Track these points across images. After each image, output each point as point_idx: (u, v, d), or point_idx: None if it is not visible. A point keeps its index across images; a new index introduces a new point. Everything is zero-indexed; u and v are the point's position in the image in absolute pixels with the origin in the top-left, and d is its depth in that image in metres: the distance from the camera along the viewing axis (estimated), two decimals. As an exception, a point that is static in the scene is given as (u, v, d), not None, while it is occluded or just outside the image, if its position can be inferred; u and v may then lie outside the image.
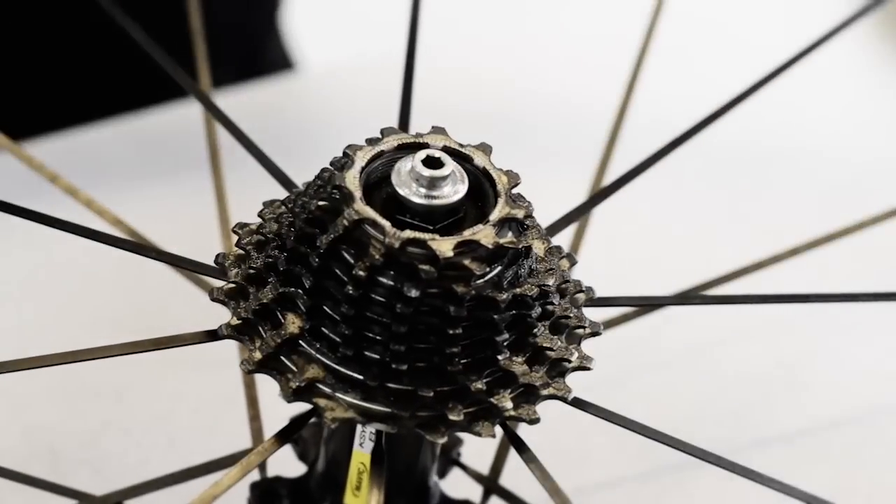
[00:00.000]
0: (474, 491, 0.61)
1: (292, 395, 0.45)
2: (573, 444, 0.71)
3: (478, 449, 0.61)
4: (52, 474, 0.67)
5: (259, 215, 0.48)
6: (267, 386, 0.48)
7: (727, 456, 0.47)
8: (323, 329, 0.45)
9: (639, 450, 0.48)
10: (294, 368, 0.45)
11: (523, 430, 0.46)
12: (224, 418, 0.72)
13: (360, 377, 0.44)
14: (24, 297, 0.80)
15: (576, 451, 0.71)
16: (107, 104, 0.93)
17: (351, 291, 0.44)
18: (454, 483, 0.60)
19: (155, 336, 0.47)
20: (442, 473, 0.59)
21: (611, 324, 0.58)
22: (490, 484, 0.60)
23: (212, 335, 0.47)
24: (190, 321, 0.49)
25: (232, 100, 0.89)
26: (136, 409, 0.73)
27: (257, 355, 0.45)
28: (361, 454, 0.50)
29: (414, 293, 0.43)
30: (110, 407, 0.73)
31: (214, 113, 0.58)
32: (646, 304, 0.58)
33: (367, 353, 0.44)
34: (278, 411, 0.52)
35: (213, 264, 0.48)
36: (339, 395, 0.44)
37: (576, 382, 0.48)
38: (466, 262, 0.44)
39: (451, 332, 0.44)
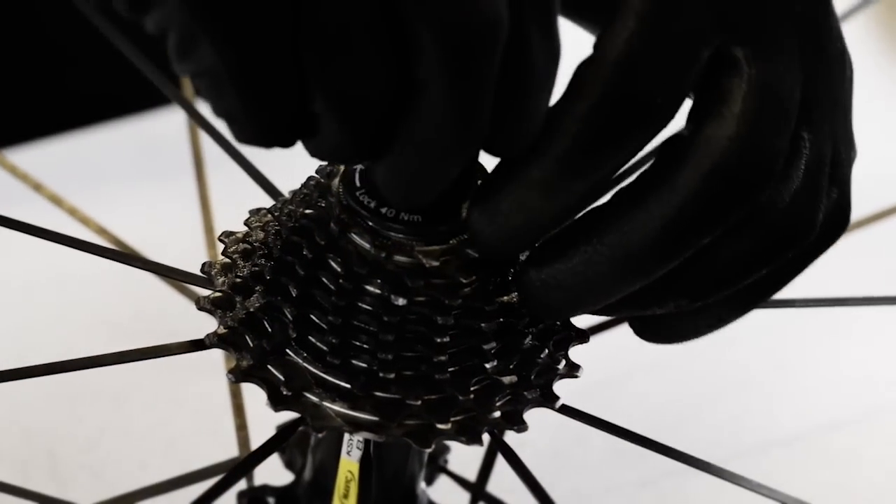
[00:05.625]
0: (462, 498, 0.61)
1: (279, 405, 0.44)
2: (571, 449, 0.71)
3: (465, 455, 0.61)
4: (51, 479, 0.67)
5: (245, 224, 0.48)
6: (254, 394, 0.48)
7: (727, 458, 0.47)
8: (310, 338, 0.45)
9: (637, 455, 0.48)
10: (281, 378, 0.45)
11: (521, 435, 0.46)
12: (223, 422, 0.71)
13: (348, 386, 0.44)
14: (21, 302, 0.79)
15: (574, 456, 0.71)
16: (90, 111, 0.93)
17: (337, 301, 0.44)
18: (441, 490, 0.60)
19: (153, 340, 0.47)
20: (429, 480, 0.59)
21: (597, 329, 0.58)
22: (477, 491, 0.60)
23: (198, 345, 0.47)
24: (189, 325, 0.49)
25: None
26: (135, 413, 0.73)
27: (244, 364, 0.45)
28: (349, 462, 0.50)
29: (401, 302, 0.43)
30: (109, 411, 0.73)
31: (198, 120, 0.57)
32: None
33: (354, 361, 0.44)
34: (267, 419, 0.52)
35: (200, 273, 0.48)
36: (326, 404, 0.44)
37: (571, 387, 0.47)
38: (453, 270, 0.44)
39: (438, 340, 0.44)
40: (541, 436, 0.46)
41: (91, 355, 0.45)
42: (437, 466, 0.59)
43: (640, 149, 0.42)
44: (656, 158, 0.43)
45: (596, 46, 0.41)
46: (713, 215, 0.42)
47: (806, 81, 0.44)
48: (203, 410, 0.73)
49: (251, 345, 0.45)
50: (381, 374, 0.44)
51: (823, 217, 0.45)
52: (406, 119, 0.39)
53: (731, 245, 0.43)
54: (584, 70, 0.41)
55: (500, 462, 0.50)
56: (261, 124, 0.39)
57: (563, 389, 0.47)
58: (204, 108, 0.58)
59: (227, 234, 0.48)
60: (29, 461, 0.69)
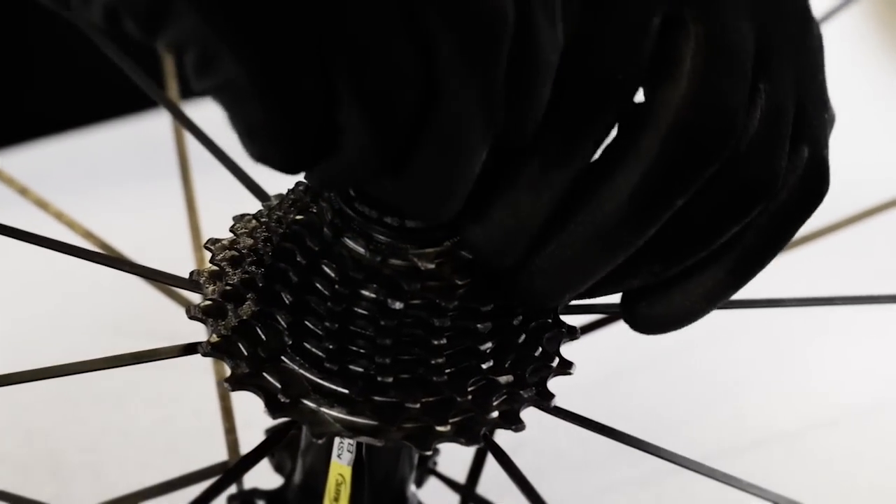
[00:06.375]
0: (451, 500, 0.61)
1: (277, 412, 0.44)
2: (571, 448, 0.71)
3: (454, 457, 0.61)
4: (53, 479, 0.67)
5: (231, 230, 0.48)
6: (244, 395, 0.48)
7: (726, 458, 0.47)
8: (306, 344, 0.44)
9: (637, 454, 0.48)
10: (277, 385, 0.45)
11: (522, 435, 0.46)
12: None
13: (346, 391, 0.44)
14: (16, 305, 0.79)
15: (574, 455, 0.71)
16: (76, 114, 0.92)
17: (333, 306, 0.44)
18: (431, 493, 0.60)
19: (154, 339, 0.47)
20: (419, 483, 0.59)
21: (590, 328, 0.58)
22: (467, 493, 0.60)
23: (191, 349, 0.46)
24: (190, 324, 0.49)
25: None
26: (136, 413, 0.73)
27: (239, 373, 0.45)
28: (340, 466, 0.50)
29: (397, 305, 0.43)
30: (110, 411, 0.72)
31: (183, 122, 0.57)
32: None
33: (351, 366, 0.44)
34: (258, 420, 0.51)
35: (188, 279, 0.48)
36: (324, 410, 0.44)
37: (567, 387, 0.47)
38: (448, 272, 0.44)
39: (435, 342, 0.44)
40: (540, 435, 0.45)
41: (87, 359, 0.45)
42: (426, 468, 0.59)
43: (613, 124, 0.42)
44: (618, 131, 0.43)
45: None
46: (678, 177, 0.41)
47: (759, 33, 0.43)
48: (204, 410, 0.72)
49: (245, 353, 0.45)
50: (378, 379, 0.44)
51: (798, 178, 0.44)
52: (428, 121, 0.39)
53: (691, 200, 0.43)
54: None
55: (492, 463, 0.49)
56: (283, 138, 0.38)
57: (559, 390, 0.47)
58: (189, 110, 0.58)
59: (213, 241, 0.48)
60: (30, 462, 0.69)
